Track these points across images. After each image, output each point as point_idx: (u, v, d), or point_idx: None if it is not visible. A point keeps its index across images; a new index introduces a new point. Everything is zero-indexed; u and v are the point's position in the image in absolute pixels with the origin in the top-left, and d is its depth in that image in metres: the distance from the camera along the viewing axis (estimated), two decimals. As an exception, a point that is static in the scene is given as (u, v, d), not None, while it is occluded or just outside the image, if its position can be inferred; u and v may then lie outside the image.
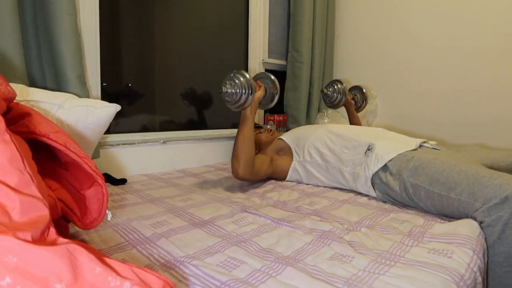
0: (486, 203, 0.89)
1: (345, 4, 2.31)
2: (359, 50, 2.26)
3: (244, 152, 1.21)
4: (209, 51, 1.96)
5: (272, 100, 1.34)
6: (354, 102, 2.00)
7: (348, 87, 2.03)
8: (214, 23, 2.01)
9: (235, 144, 1.24)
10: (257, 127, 1.77)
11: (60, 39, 1.13)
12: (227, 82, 1.20)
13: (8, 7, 1.05)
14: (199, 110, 1.98)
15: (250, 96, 1.20)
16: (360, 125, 1.96)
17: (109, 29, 1.50)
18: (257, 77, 1.36)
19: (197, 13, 1.91)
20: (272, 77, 1.33)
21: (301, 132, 1.48)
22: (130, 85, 1.63)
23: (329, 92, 1.91)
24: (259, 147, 1.59)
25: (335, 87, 1.90)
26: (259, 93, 1.25)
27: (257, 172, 1.29)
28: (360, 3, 2.24)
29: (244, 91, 1.19)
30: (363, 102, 2.06)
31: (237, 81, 1.20)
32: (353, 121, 1.96)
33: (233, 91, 1.20)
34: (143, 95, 1.72)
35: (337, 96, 1.89)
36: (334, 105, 1.94)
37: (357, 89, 2.07)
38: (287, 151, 1.47)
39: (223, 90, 1.20)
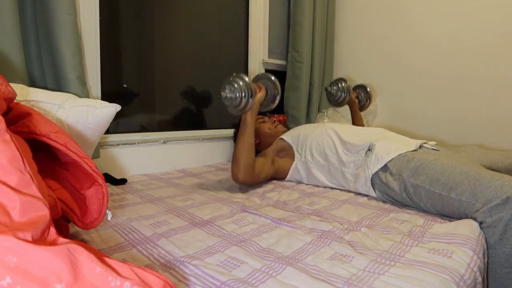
0: (487, 204, 0.89)
1: (345, 4, 2.31)
2: (359, 50, 2.26)
3: (244, 157, 1.21)
4: (209, 51, 1.96)
5: (273, 101, 1.32)
6: (358, 101, 1.99)
7: (352, 85, 2.01)
8: (214, 23, 2.01)
9: (235, 149, 1.24)
10: (260, 114, 1.74)
11: (60, 39, 1.13)
12: (226, 87, 1.18)
13: (8, 7, 1.05)
14: (199, 109, 1.98)
15: (250, 100, 1.18)
16: (363, 123, 1.95)
17: (109, 29, 1.49)
18: (257, 79, 1.34)
19: (197, 13, 1.90)
20: (273, 77, 1.31)
21: (302, 131, 1.47)
22: (125, 85, 1.62)
23: (333, 90, 1.91)
24: (260, 138, 1.57)
25: (339, 85, 1.90)
26: (260, 95, 1.23)
27: (257, 175, 1.28)
28: (360, 3, 2.24)
29: (244, 95, 1.17)
30: (367, 101, 2.06)
31: (236, 85, 1.17)
32: (356, 120, 1.95)
33: (232, 95, 1.17)
34: (143, 95, 1.72)
35: (341, 94, 1.89)
36: (337, 103, 1.94)
37: (361, 88, 2.07)
38: (288, 151, 1.47)
39: (222, 95, 1.17)
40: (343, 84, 1.89)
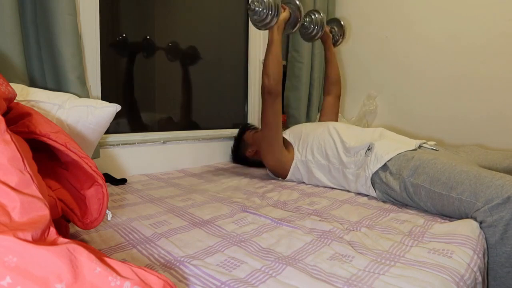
0: (488, 203, 0.89)
1: (345, 4, 2.31)
2: (359, 50, 2.26)
3: (273, 68, 1.36)
4: (209, 51, 1.96)
5: (294, 26, 1.49)
6: (332, 36, 1.84)
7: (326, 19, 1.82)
8: (214, 23, 2.01)
9: (264, 63, 1.39)
10: (254, 128, 1.76)
11: (60, 39, 1.12)
12: (256, 0, 1.35)
13: (8, 7, 1.05)
14: (184, 67, 1.89)
15: (275, 17, 1.36)
16: (336, 60, 1.84)
17: (109, 29, 1.49)
18: (284, 2, 1.49)
19: (197, 13, 1.90)
20: (298, 2, 1.46)
21: (303, 130, 1.47)
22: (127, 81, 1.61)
23: (306, 23, 1.69)
24: (258, 146, 1.58)
25: (313, 17, 1.69)
26: (284, 14, 1.42)
27: (280, 99, 1.40)
28: (360, 3, 2.24)
29: (270, 12, 1.35)
30: (340, 36, 1.89)
31: (265, 0, 1.35)
32: (329, 56, 1.82)
33: (260, 9, 1.35)
34: (143, 94, 1.72)
35: (314, 27, 1.69)
36: (310, 38, 1.75)
37: (335, 22, 1.89)
38: (288, 146, 1.47)
39: (251, 7, 1.35)
40: (316, 16, 1.68)
